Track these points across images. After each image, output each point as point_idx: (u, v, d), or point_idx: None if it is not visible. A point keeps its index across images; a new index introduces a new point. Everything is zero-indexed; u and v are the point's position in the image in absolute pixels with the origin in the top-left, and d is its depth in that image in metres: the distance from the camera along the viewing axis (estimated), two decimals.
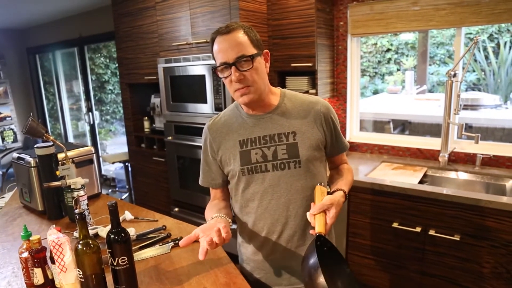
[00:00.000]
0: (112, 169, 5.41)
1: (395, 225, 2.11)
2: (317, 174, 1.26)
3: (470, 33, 4.99)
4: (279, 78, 2.78)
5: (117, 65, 3.77)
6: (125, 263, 1.09)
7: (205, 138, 1.32)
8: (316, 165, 1.26)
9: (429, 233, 1.99)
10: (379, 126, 4.77)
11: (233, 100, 2.58)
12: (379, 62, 7.24)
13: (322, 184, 1.23)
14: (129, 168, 3.96)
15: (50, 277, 1.18)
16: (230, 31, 1.14)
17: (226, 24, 1.17)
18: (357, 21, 2.66)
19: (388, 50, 7.13)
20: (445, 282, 2.02)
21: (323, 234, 1.05)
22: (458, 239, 1.91)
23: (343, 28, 2.73)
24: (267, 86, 1.23)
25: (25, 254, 1.17)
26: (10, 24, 5.56)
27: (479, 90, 6.07)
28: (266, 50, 1.23)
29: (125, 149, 3.96)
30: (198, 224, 1.70)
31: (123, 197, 4.73)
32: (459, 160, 2.46)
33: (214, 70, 1.19)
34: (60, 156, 1.78)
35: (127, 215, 1.74)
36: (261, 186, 1.24)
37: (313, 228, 1.08)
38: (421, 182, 2.26)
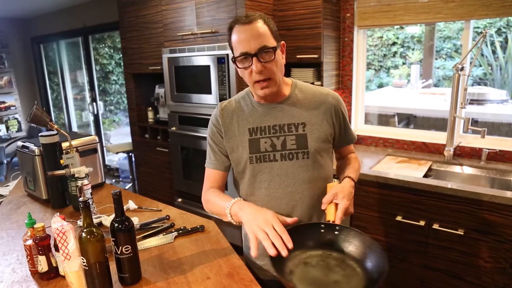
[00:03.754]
0: (116, 159, 5.42)
1: (399, 218, 2.10)
2: (324, 165, 1.27)
3: (478, 27, 4.93)
4: (284, 69, 2.76)
5: (121, 55, 3.76)
6: (128, 252, 1.10)
7: (215, 119, 1.30)
8: (324, 156, 1.26)
9: (433, 227, 1.99)
10: (384, 119, 4.74)
11: (237, 91, 2.58)
12: (385, 55, 7.17)
13: (333, 181, 1.27)
14: (133, 159, 3.97)
15: (54, 264, 1.19)
16: (251, 21, 1.12)
17: (245, 13, 1.16)
18: (364, 13, 2.63)
19: (394, 43, 7.05)
20: (448, 276, 2.02)
21: (332, 221, 1.13)
22: (462, 233, 1.90)
23: (350, 20, 2.70)
24: (283, 77, 1.23)
25: (30, 242, 1.18)
26: (15, 14, 5.55)
27: (486, 84, 6.00)
28: (282, 42, 1.22)
29: (129, 139, 3.96)
30: (201, 215, 1.71)
31: (126, 187, 4.75)
32: (464, 154, 2.45)
33: (233, 60, 1.17)
34: (64, 145, 1.79)
35: (131, 205, 1.74)
36: (268, 175, 1.24)
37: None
38: (425, 176, 2.25)
